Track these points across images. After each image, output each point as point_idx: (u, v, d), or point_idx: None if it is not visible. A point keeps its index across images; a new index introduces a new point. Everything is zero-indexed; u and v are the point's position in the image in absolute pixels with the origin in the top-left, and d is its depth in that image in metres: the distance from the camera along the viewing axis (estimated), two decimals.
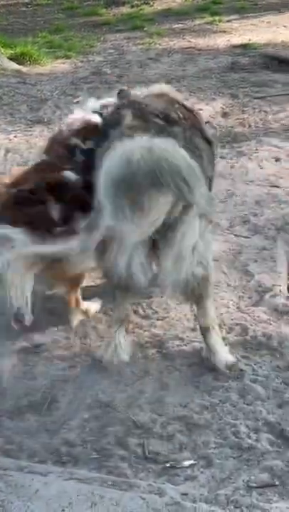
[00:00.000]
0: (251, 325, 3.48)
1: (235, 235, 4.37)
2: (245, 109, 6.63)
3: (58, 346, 3.38)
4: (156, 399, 3.00)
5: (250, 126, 6.24)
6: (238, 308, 3.64)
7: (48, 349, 3.36)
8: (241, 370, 3.15)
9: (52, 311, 3.63)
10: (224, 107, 6.70)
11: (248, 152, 5.64)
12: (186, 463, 2.66)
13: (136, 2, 11.83)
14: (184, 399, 2.99)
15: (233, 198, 4.85)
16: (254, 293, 3.77)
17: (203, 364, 3.20)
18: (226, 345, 3.23)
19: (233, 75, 7.71)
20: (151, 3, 11.78)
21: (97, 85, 7.44)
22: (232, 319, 3.54)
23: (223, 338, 3.28)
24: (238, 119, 6.40)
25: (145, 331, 3.48)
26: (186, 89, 7.23)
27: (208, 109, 6.61)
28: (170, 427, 2.83)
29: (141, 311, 3.63)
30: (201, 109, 6.56)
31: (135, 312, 3.62)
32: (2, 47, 8.51)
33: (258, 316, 3.54)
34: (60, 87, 7.48)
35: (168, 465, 2.66)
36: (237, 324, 3.49)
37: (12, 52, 8.48)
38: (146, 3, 11.71)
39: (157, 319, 3.57)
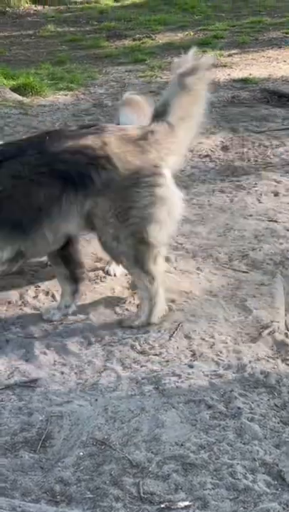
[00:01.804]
0: (249, 362, 3.46)
1: (234, 270, 4.37)
2: (245, 143, 6.67)
3: (54, 381, 3.36)
4: (153, 437, 2.97)
5: (249, 160, 6.28)
6: (235, 344, 3.62)
7: (44, 384, 3.33)
8: (239, 408, 3.13)
9: (48, 345, 3.62)
10: (224, 140, 6.74)
11: (247, 186, 5.66)
12: (182, 504, 2.62)
13: (138, 35, 11.98)
14: (181, 437, 2.96)
15: (231, 232, 4.86)
16: (252, 329, 3.75)
17: (200, 401, 3.18)
18: None
19: (233, 108, 7.77)
20: (153, 36, 11.92)
21: (98, 117, 7.50)
22: (230, 355, 3.52)
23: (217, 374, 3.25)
24: (237, 152, 6.44)
25: (142, 366, 3.46)
26: None
27: (208, 143, 6.66)
28: (166, 467, 2.79)
29: (138, 346, 3.61)
30: (200, 143, 6.64)
31: (132, 347, 3.60)
32: (4, 78, 8.59)
33: (257, 353, 3.53)
34: (61, 118, 7.54)
35: (163, 506, 2.62)
36: (235, 361, 3.47)
37: (14, 83, 8.55)
38: (148, 37, 11.85)
39: (154, 354, 3.55)
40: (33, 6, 15.63)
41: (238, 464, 2.80)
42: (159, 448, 2.90)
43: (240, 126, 7.11)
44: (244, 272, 4.35)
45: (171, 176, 3.70)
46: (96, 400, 3.21)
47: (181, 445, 2.91)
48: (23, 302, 4.05)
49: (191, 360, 3.49)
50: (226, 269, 4.38)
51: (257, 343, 3.61)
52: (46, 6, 15.71)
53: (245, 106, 7.86)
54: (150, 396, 3.23)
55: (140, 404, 3.17)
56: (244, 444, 2.92)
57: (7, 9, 14.96)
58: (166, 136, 3.67)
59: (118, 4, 15.80)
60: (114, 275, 4.30)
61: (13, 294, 4.13)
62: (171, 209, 3.65)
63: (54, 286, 4.19)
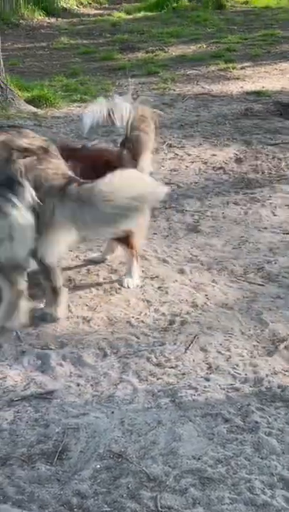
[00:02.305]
0: (266, 375, 3.44)
1: (249, 283, 4.36)
2: (259, 155, 6.67)
3: (70, 393, 3.35)
4: (170, 450, 2.95)
5: (263, 172, 6.27)
6: (252, 357, 3.61)
7: (60, 396, 3.32)
8: (256, 422, 3.11)
9: (64, 357, 3.62)
10: (238, 153, 6.75)
11: (261, 199, 5.66)
12: None
13: (151, 48, 12.04)
14: (198, 451, 2.94)
15: (246, 245, 4.85)
16: (268, 342, 3.74)
17: (217, 415, 3.16)
18: None
19: (246, 121, 7.79)
20: (166, 49, 11.98)
21: (111, 129, 7.51)
22: (246, 369, 3.51)
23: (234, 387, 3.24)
24: (251, 165, 6.44)
25: (158, 379, 3.45)
26: (200, 134, 7.31)
27: (222, 155, 6.67)
28: (183, 481, 2.78)
29: (154, 359, 3.60)
30: (214, 155, 6.65)
31: (148, 359, 3.59)
32: (19, 90, 8.64)
33: (273, 367, 3.51)
34: (75, 130, 7.57)
35: None
36: (251, 374, 3.46)
37: (29, 95, 8.61)
38: (161, 49, 11.91)
39: (170, 367, 3.54)
40: (47, 18, 15.74)
41: (256, 478, 2.78)
42: (176, 462, 2.88)
43: (254, 139, 7.12)
44: (260, 284, 4.34)
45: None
46: (112, 412, 3.20)
47: (199, 459, 2.90)
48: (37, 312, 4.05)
49: (207, 373, 3.48)
50: (241, 282, 4.37)
51: (273, 357, 3.59)
52: (59, 19, 15.83)
53: (259, 118, 7.87)
54: (167, 409, 3.22)
55: (157, 417, 3.16)
56: (262, 458, 2.90)
57: (21, 21, 15.07)
58: None
59: (131, 17, 15.90)
60: (128, 287, 4.30)
61: (29, 305, 4.13)
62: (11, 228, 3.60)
63: (70, 297, 4.19)
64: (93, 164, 4.09)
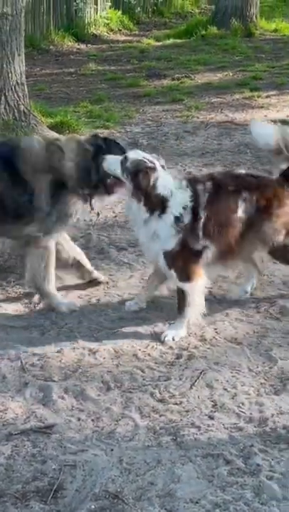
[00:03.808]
0: (272, 415, 3.35)
1: (261, 317, 4.27)
2: None
3: (70, 428, 3.29)
4: (167, 492, 2.87)
5: None
6: (258, 395, 3.52)
7: (60, 430, 3.26)
8: (258, 464, 3.01)
9: (66, 390, 3.56)
10: None
11: None
12: None
13: (177, 75, 12.06)
14: (196, 494, 2.86)
15: (260, 278, 4.76)
16: (276, 380, 3.65)
17: (219, 456, 3.08)
18: None
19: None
20: (192, 76, 11.99)
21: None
22: (252, 408, 3.41)
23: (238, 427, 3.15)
24: None
25: (161, 415, 3.38)
26: (221, 163, 7.27)
27: None
28: None
29: (158, 394, 3.53)
30: None
31: (151, 394, 3.52)
32: (43, 116, 8.70)
33: (280, 406, 3.41)
34: None
35: None
36: (257, 414, 3.37)
37: (52, 121, 8.66)
38: (187, 77, 11.92)
39: (174, 403, 3.46)
40: (76, 44, 15.92)
41: None
42: (173, 505, 2.80)
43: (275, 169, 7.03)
44: (271, 319, 4.25)
45: None
46: (112, 449, 3.13)
47: (196, 502, 2.81)
48: (44, 342, 4.01)
49: (211, 411, 3.40)
50: (252, 316, 4.29)
51: (280, 396, 3.50)
52: (89, 45, 15.99)
53: None
54: (167, 448, 3.14)
55: (157, 456, 3.08)
56: (262, 504, 2.80)
57: (50, 47, 15.24)
58: None
59: (159, 44, 15.98)
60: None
61: (35, 334, 4.10)
62: None
63: (77, 327, 4.16)
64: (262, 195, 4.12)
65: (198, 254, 4.02)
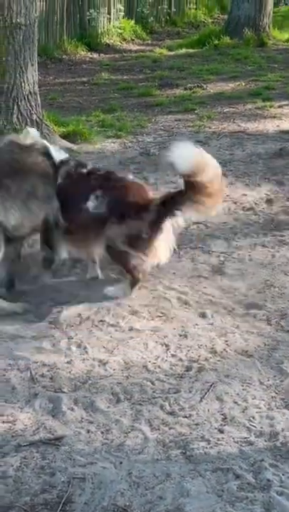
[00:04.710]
0: (282, 430, 3.32)
1: (272, 329, 4.25)
2: None
3: (79, 440, 3.27)
4: (176, 507, 2.85)
5: None
6: (269, 409, 3.49)
7: (69, 442, 3.25)
8: (268, 480, 2.98)
9: (76, 401, 3.55)
10: (269, 193, 6.66)
11: None
12: None
13: (189, 85, 12.07)
14: (205, 509, 2.83)
15: (271, 290, 4.75)
16: (287, 394, 3.61)
17: (228, 470, 3.05)
18: None
19: (280, 161, 7.70)
20: (205, 86, 11.99)
21: (144, 166, 7.53)
22: (262, 422, 3.39)
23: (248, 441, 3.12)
24: (282, 206, 6.34)
25: (170, 428, 3.35)
26: (232, 173, 7.25)
27: (253, 195, 6.59)
28: None
29: (167, 407, 3.51)
30: (245, 195, 6.57)
31: (161, 407, 3.50)
32: (55, 125, 8.73)
33: None
34: (107, 166, 7.58)
35: None
36: (267, 428, 3.34)
37: (64, 130, 8.68)
38: (200, 86, 11.92)
39: (184, 416, 3.44)
40: (89, 53, 15.99)
41: None
42: None
43: (286, 179, 7.03)
44: (283, 332, 4.23)
45: None
46: (121, 462, 3.12)
47: None
48: (55, 353, 4.01)
49: (221, 425, 3.37)
50: (263, 328, 4.26)
51: None
52: (102, 54, 16.06)
53: None
54: (176, 461, 3.12)
55: (166, 469, 3.06)
56: None
57: (64, 56, 15.31)
58: None
59: (172, 53, 16.02)
60: None
61: (46, 345, 4.09)
62: None
63: (87, 338, 4.15)
64: None
65: None
